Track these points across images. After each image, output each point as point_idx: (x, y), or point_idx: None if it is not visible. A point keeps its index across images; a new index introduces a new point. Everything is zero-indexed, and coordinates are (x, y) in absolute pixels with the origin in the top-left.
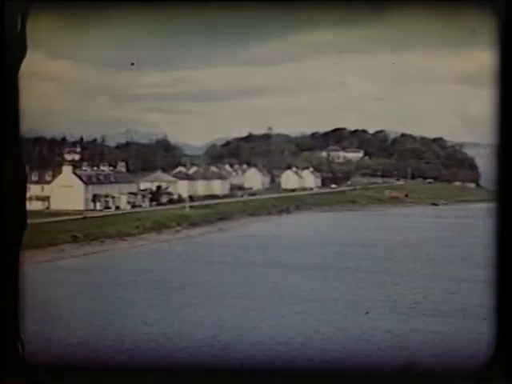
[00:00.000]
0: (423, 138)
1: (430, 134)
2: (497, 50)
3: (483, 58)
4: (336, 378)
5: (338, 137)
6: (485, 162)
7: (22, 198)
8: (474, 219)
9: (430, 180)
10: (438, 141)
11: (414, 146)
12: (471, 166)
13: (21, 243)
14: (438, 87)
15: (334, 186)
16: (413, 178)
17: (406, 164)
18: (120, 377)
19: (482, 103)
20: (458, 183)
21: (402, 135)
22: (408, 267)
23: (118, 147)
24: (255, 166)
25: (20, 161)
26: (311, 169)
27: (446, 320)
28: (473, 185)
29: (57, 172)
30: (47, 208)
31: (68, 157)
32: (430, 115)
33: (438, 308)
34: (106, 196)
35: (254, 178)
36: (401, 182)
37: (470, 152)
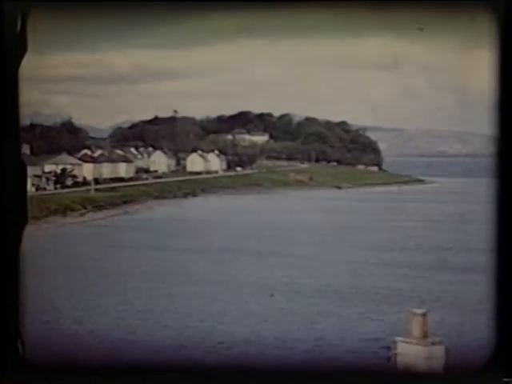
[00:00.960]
0: (327, 122)
1: (335, 118)
2: (497, 50)
3: (386, 45)
4: (246, 364)
5: (243, 120)
6: (387, 146)
7: (22, 198)
8: (377, 202)
9: (334, 163)
10: (342, 124)
11: (319, 130)
12: (374, 149)
13: (21, 243)
14: (343, 72)
15: (239, 168)
16: (317, 161)
17: (310, 147)
18: (120, 377)
19: (386, 88)
20: (361, 166)
21: (307, 119)
22: (313, 250)
23: (22, 129)
24: (161, 148)
25: (20, 160)
26: (217, 152)
27: (352, 303)
28: (375, 168)
29: None
30: None
31: None
32: (335, 99)
33: (343, 290)
34: None
35: (159, 161)
36: (305, 165)
37: (373, 136)
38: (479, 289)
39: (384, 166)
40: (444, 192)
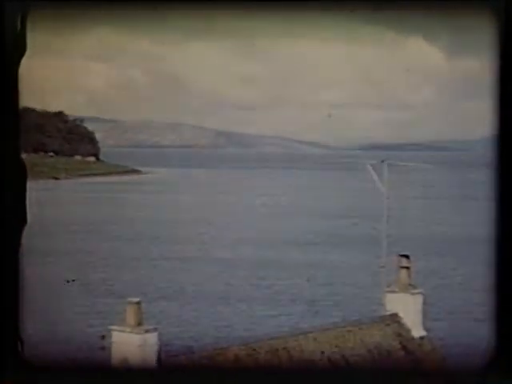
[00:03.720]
0: (45, 112)
1: (52, 108)
2: (497, 50)
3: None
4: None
5: None
6: (104, 137)
7: (21, 198)
8: (97, 193)
9: (52, 154)
10: (60, 115)
11: (36, 120)
12: (91, 140)
13: (20, 243)
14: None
15: None
16: (35, 151)
17: (27, 138)
18: (120, 376)
19: (103, 79)
20: (78, 157)
21: (24, 109)
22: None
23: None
24: None
25: (20, 160)
26: None
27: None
28: (93, 158)
29: None
30: None
31: None
32: (51, 91)
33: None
34: None
35: None
36: (23, 156)
37: (90, 126)
38: None
39: (101, 157)
40: (159, 182)
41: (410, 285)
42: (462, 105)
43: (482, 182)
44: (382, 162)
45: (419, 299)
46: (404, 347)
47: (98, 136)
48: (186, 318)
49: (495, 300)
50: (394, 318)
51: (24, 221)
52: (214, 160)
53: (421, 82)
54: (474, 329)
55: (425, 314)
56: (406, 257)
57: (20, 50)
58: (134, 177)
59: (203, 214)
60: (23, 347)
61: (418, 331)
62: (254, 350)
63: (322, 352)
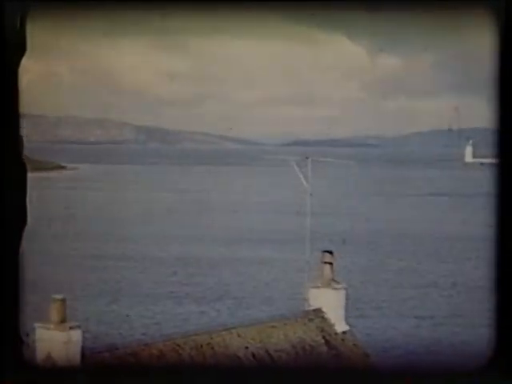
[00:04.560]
0: None
1: None
2: (497, 50)
3: None
4: None
5: None
6: (29, 132)
7: (22, 198)
8: None
9: None
10: None
11: None
12: None
13: (20, 243)
14: None
15: None
16: None
17: None
18: (121, 376)
19: (29, 75)
20: None
21: None
22: None
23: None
24: None
25: (20, 161)
26: None
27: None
28: None
29: None
30: None
31: None
32: None
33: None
34: None
35: None
36: None
37: None
38: None
39: (26, 152)
40: (83, 178)
41: (333, 280)
42: (384, 102)
43: (405, 178)
44: (306, 158)
45: (342, 294)
46: (327, 342)
47: (22, 131)
48: (114, 315)
49: (495, 300)
50: (318, 313)
51: (24, 221)
52: (139, 156)
53: (345, 79)
54: (397, 324)
55: (347, 309)
56: (330, 253)
57: (20, 49)
58: (59, 173)
59: (128, 211)
60: (23, 347)
61: (340, 326)
62: (179, 345)
63: (246, 347)
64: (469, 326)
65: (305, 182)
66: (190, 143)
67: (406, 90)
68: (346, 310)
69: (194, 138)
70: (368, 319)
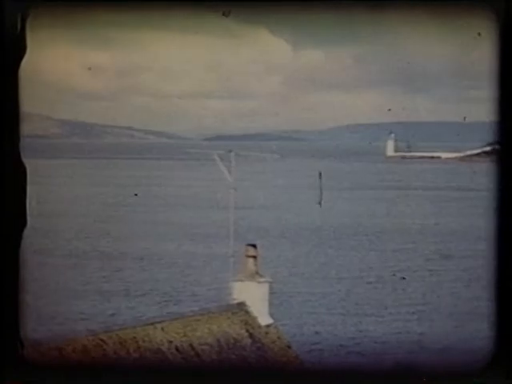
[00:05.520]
0: None
1: None
2: (497, 50)
3: None
4: None
5: None
6: None
7: (21, 198)
8: None
9: None
10: None
11: None
12: None
13: (20, 243)
14: None
15: None
16: None
17: None
18: (121, 376)
19: None
20: None
21: None
22: None
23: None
24: None
25: (20, 161)
26: None
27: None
28: None
29: None
30: None
31: None
32: None
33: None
34: None
35: None
36: None
37: None
38: None
39: None
40: None
41: (257, 274)
42: (307, 96)
43: (328, 172)
44: (230, 152)
45: (265, 288)
46: (251, 335)
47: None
48: (41, 312)
49: (495, 300)
50: (241, 306)
51: (24, 221)
52: (63, 150)
53: (268, 73)
54: (325, 318)
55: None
56: (253, 246)
57: (20, 50)
58: None
59: (54, 206)
60: (23, 347)
61: (264, 319)
62: (103, 340)
63: (170, 341)
64: (398, 320)
65: (228, 176)
66: (114, 137)
67: (328, 85)
68: (273, 303)
69: (117, 131)
70: (295, 312)
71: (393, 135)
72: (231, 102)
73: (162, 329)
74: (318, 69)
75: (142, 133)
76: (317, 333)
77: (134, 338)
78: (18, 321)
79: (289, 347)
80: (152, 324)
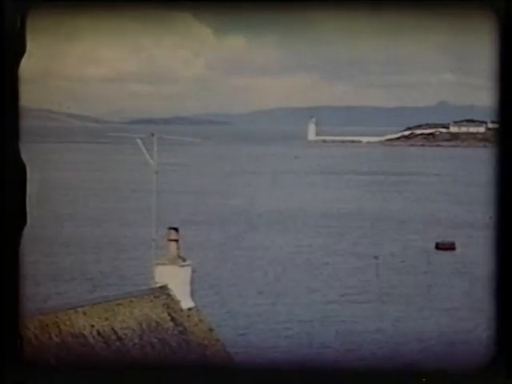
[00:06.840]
0: None
1: None
2: (497, 50)
3: None
4: None
5: None
6: None
7: (21, 198)
8: None
9: None
10: None
11: None
12: None
13: (20, 243)
14: None
15: None
16: None
17: None
18: (121, 376)
19: None
20: None
21: None
22: None
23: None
24: None
25: (20, 160)
26: None
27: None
28: None
29: None
30: None
31: None
32: None
33: None
34: None
35: None
36: None
37: None
38: None
39: None
40: None
41: (179, 257)
42: (230, 80)
43: (251, 156)
44: (152, 135)
45: (188, 271)
46: (173, 318)
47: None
48: None
49: (495, 300)
50: (164, 290)
51: (24, 221)
52: None
53: (191, 57)
54: (255, 301)
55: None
56: (175, 229)
57: (20, 50)
58: None
59: None
60: (22, 346)
61: (186, 303)
62: (25, 325)
63: (92, 325)
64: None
65: (150, 160)
66: (34, 120)
67: (250, 69)
68: (202, 287)
69: (37, 114)
70: (222, 297)
71: (314, 119)
72: (155, 86)
73: (84, 313)
74: (241, 53)
75: (64, 116)
76: (246, 316)
77: (56, 322)
78: (17, 320)
79: (211, 330)
80: (73, 308)
